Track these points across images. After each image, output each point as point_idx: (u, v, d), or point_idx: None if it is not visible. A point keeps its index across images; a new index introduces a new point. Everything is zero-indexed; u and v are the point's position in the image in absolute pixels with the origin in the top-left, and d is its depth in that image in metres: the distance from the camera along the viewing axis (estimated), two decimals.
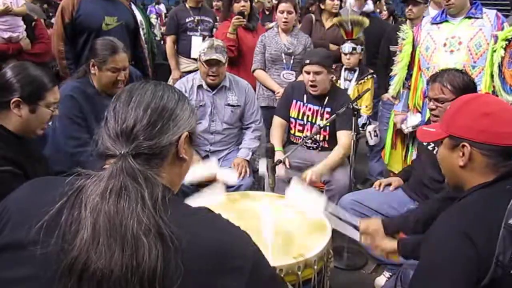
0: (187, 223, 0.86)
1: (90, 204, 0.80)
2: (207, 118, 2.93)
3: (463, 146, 1.27)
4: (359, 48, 3.36)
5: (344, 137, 2.79)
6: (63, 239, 0.80)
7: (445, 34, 2.70)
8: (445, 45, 2.69)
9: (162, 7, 10.09)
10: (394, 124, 3.10)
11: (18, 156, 1.66)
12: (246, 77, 3.33)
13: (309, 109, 2.95)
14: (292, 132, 3.05)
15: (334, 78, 3.02)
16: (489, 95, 2.15)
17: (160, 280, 0.77)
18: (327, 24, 3.88)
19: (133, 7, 3.95)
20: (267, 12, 7.12)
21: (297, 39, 3.54)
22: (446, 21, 2.74)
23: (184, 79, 3.06)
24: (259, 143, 3.08)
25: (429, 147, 2.34)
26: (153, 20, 7.56)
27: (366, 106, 3.32)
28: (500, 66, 2.54)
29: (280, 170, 2.22)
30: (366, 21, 3.42)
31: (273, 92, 3.51)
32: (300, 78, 3.24)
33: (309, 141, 2.95)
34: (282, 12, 3.49)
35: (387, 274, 2.55)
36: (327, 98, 2.91)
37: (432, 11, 3.39)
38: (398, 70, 2.98)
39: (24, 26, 3.41)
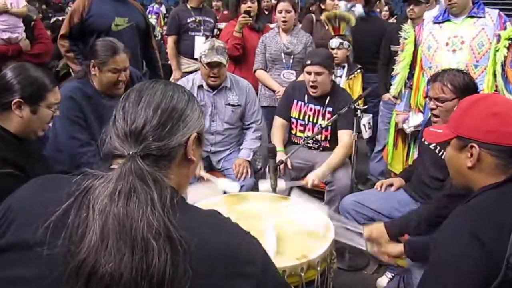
0: (195, 226, 0.85)
1: (98, 205, 0.79)
2: (208, 118, 2.91)
3: (472, 146, 1.25)
4: (345, 43, 3.43)
5: (345, 136, 2.78)
6: (70, 240, 0.79)
7: (448, 34, 2.70)
8: (447, 44, 2.68)
9: (162, 7, 10.06)
10: (396, 124, 3.09)
11: (19, 157, 1.65)
12: (248, 76, 3.32)
13: (310, 109, 2.94)
14: (293, 132, 3.03)
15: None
16: (497, 95, 2.13)
17: (168, 284, 0.76)
18: None
19: None
20: (266, 12, 7.10)
21: (297, 38, 3.53)
22: (449, 20, 2.73)
23: (184, 79, 3.05)
24: (260, 143, 3.07)
25: (431, 146, 2.32)
26: (153, 20, 7.54)
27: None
28: (503, 65, 2.53)
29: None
30: (352, 18, 3.52)
31: (274, 92, 3.50)
32: (300, 77, 3.23)
33: (311, 141, 2.94)
34: (281, 11, 3.48)
35: (389, 274, 2.55)
36: (328, 98, 2.89)
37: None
38: (400, 69, 2.97)
39: (24, 27, 3.38)
